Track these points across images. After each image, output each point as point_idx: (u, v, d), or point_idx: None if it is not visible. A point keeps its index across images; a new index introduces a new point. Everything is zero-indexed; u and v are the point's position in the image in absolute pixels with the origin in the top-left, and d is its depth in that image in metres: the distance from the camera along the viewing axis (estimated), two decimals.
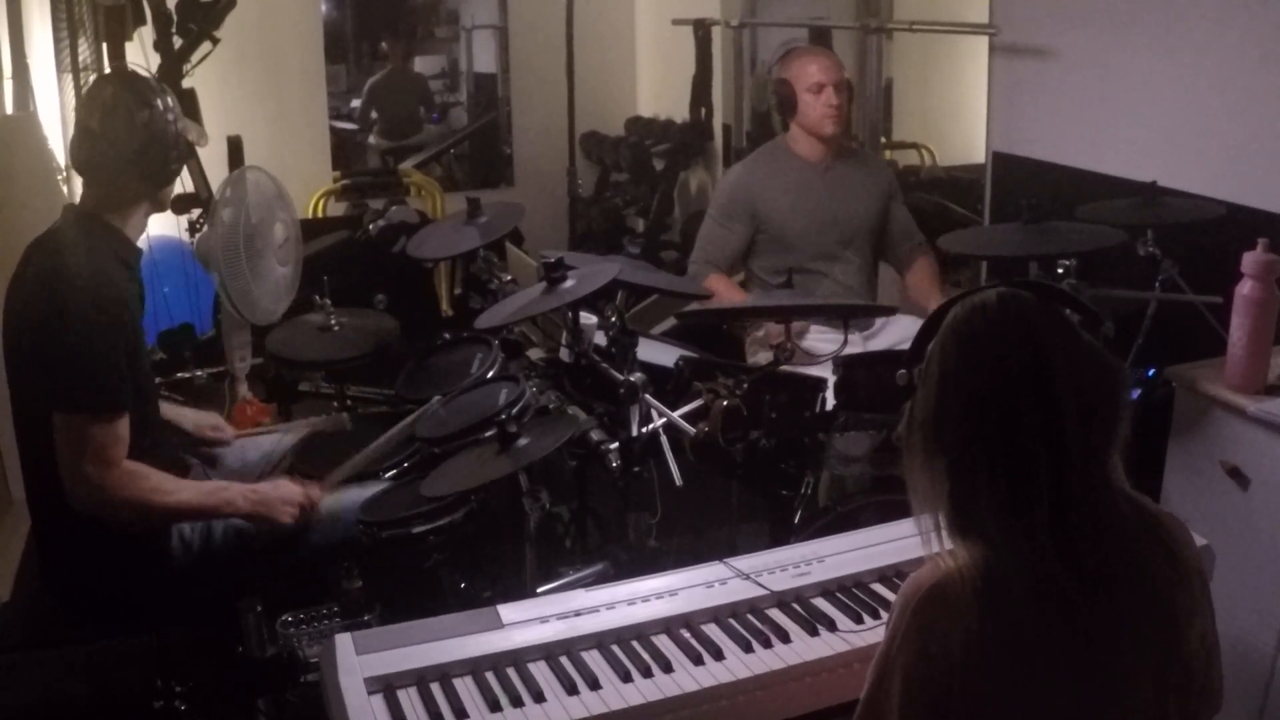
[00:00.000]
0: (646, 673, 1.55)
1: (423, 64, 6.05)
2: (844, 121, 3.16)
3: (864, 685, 1.28)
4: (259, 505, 2.13)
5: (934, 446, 1.24)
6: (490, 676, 1.54)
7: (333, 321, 2.87)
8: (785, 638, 1.63)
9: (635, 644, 1.61)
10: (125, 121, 2.06)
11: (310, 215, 5.28)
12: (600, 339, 2.27)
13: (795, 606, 1.71)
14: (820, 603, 1.72)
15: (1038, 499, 1.18)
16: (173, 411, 2.46)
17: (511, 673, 1.55)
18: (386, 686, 1.51)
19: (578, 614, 1.66)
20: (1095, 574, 1.19)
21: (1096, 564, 1.19)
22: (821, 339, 2.70)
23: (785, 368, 2.24)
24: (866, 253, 3.23)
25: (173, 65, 3.98)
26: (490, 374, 2.42)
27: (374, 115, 5.94)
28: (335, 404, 3.18)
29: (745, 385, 2.17)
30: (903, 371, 1.33)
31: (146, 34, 4.00)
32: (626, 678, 1.54)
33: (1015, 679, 1.18)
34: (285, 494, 2.16)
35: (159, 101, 2.10)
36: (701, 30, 5.11)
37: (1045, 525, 1.18)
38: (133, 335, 2.05)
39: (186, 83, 3.99)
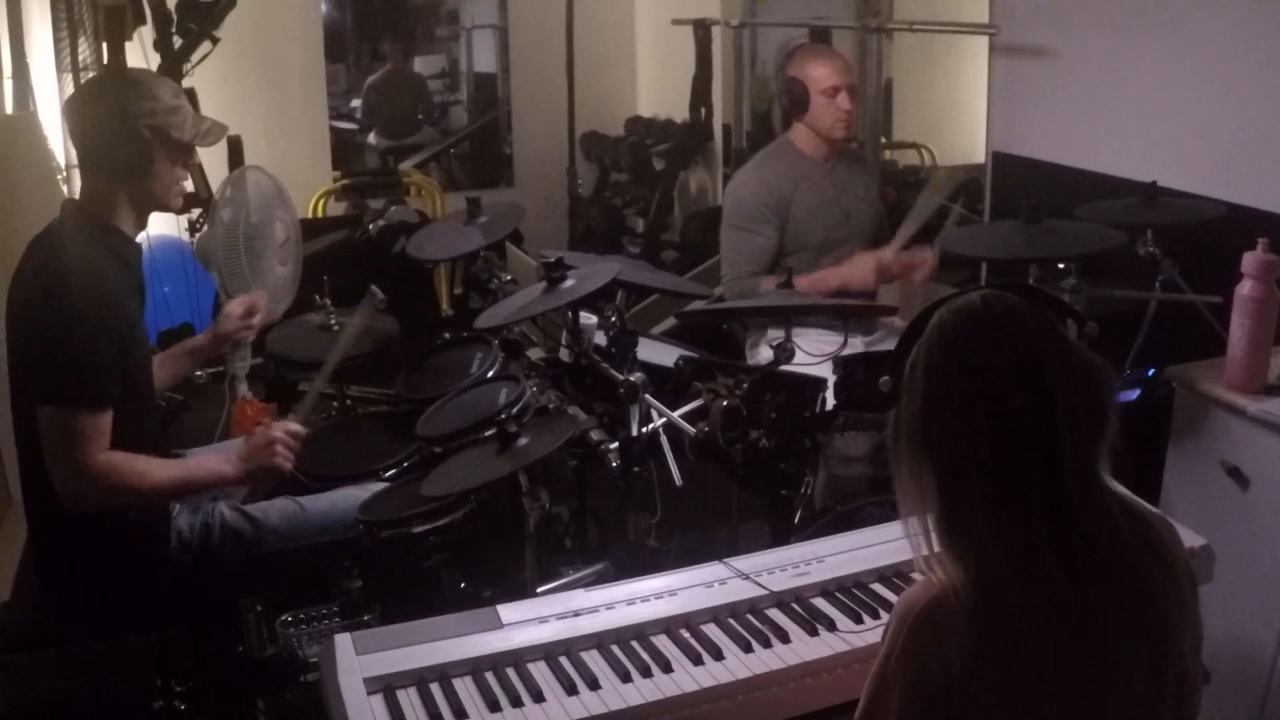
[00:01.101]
0: (646, 673, 1.55)
1: (423, 64, 6.05)
2: (853, 126, 3.16)
3: (860, 702, 1.27)
4: (246, 463, 2.12)
5: (922, 451, 1.23)
6: (490, 677, 1.54)
7: (333, 321, 2.87)
8: (785, 638, 1.63)
9: (635, 644, 1.61)
10: (88, 119, 2.08)
11: (310, 215, 5.28)
12: (600, 339, 2.27)
13: (795, 606, 1.71)
14: (820, 603, 1.72)
15: (1031, 499, 1.17)
16: (188, 343, 2.47)
17: (511, 673, 1.55)
18: (386, 686, 1.51)
19: (577, 614, 1.65)
20: (1088, 575, 1.19)
21: (1089, 564, 1.19)
22: (822, 340, 2.70)
23: (785, 368, 2.24)
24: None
25: (173, 65, 3.98)
26: (490, 374, 2.42)
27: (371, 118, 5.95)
28: (335, 404, 3.19)
29: (745, 385, 2.17)
30: (886, 378, 1.32)
31: (146, 34, 4.00)
32: (626, 678, 1.54)
33: (1013, 688, 1.18)
34: (263, 440, 2.14)
35: (130, 99, 2.07)
36: (701, 30, 5.11)
37: (1039, 526, 1.17)
38: (126, 331, 2.05)
39: (186, 83, 3.99)
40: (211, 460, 2.16)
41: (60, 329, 1.96)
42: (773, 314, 2.84)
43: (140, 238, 2.22)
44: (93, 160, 2.10)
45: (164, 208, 2.22)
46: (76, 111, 2.13)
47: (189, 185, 2.24)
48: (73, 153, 3.69)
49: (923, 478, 1.23)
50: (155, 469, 2.05)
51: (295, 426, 2.20)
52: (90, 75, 4.24)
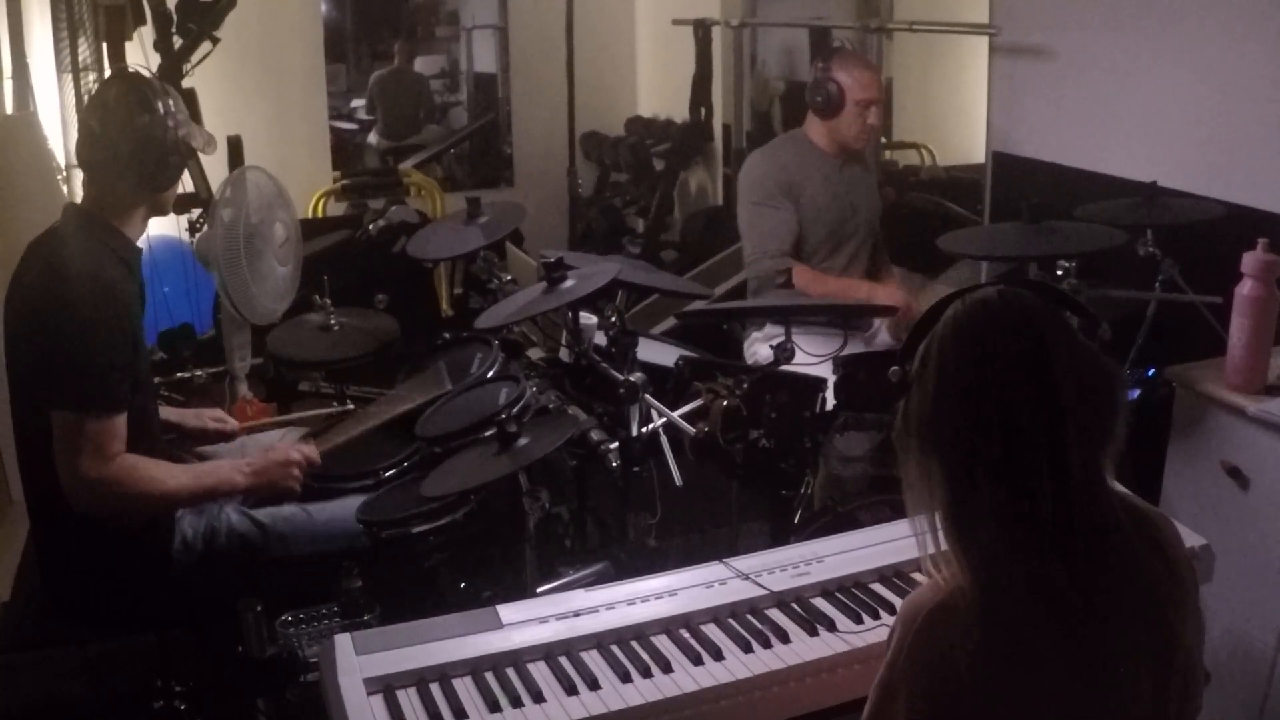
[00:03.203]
0: (646, 673, 1.55)
1: (423, 64, 6.05)
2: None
3: (866, 706, 1.27)
4: (258, 476, 2.12)
5: (930, 445, 1.22)
6: (490, 677, 1.54)
7: (333, 321, 2.87)
8: (785, 638, 1.62)
9: (635, 644, 1.61)
10: (125, 124, 2.06)
11: (310, 215, 5.28)
12: (600, 339, 2.27)
13: (795, 606, 1.71)
14: (820, 603, 1.72)
15: (1038, 496, 1.17)
16: (171, 413, 2.45)
17: (511, 673, 1.55)
18: (386, 687, 1.51)
19: (577, 614, 1.65)
20: (1093, 574, 1.19)
21: (1094, 564, 1.19)
22: (820, 339, 2.70)
23: (785, 368, 2.24)
24: (871, 252, 3.26)
25: (173, 65, 3.98)
26: (490, 374, 2.42)
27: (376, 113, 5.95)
28: (335, 404, 3.18)
29: (745, 385, 2.17)
30: (895, 369, 1.31)
31: (146, 34, 4.00)
32: (626, 678, 1.53)
33: (1020, 689, 1.18)
34: (281, 458, 2.15)
35: (161, 105, 2.09)
36: (701, 30, 5.11)
37: (1045, 522, 1.17)
38: (132, 334, 2.05)
39: (186, 83, 3.99)
40: (224, 468, 2.16)
41: (72, 332, 1.96)
42: (772, 314, 2.84)
43: (140, 241, 2.22)
44: (121, 166, 2.07)
45: (164, 213, 2.26)
46: (108, 115, 2.08)
47: (189, 185, 2.24)
48: (73, 153, 3.69)
49: (930, 472, 1.23)
50: (168, 475, 2.05)
51: (315, 456, 2.20)
52: (91, 76, 4.24)
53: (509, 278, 2.69)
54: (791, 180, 3.11)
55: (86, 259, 2.02)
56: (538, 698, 1.49)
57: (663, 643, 1.62)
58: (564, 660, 1.58)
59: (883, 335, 3.12)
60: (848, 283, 3.11)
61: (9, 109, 3.98)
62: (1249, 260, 2.22)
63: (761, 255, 3.09)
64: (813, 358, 2.30)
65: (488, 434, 2.07)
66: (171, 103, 2.13)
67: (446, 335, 2.72)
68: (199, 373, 4.19)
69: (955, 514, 1.22)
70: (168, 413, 2.41)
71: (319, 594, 1.94)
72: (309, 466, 2.19)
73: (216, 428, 2.45)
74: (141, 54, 3.96)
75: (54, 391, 1.96)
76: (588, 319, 2.29)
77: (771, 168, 3.15)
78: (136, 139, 2.06)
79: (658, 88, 6.09)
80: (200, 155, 2.27)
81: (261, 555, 2.16)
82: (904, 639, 1.21)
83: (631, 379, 2.06)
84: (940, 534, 1.23)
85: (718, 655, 1.58)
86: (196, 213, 3.69)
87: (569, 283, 2.16)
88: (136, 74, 2.21)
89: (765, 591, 1.71)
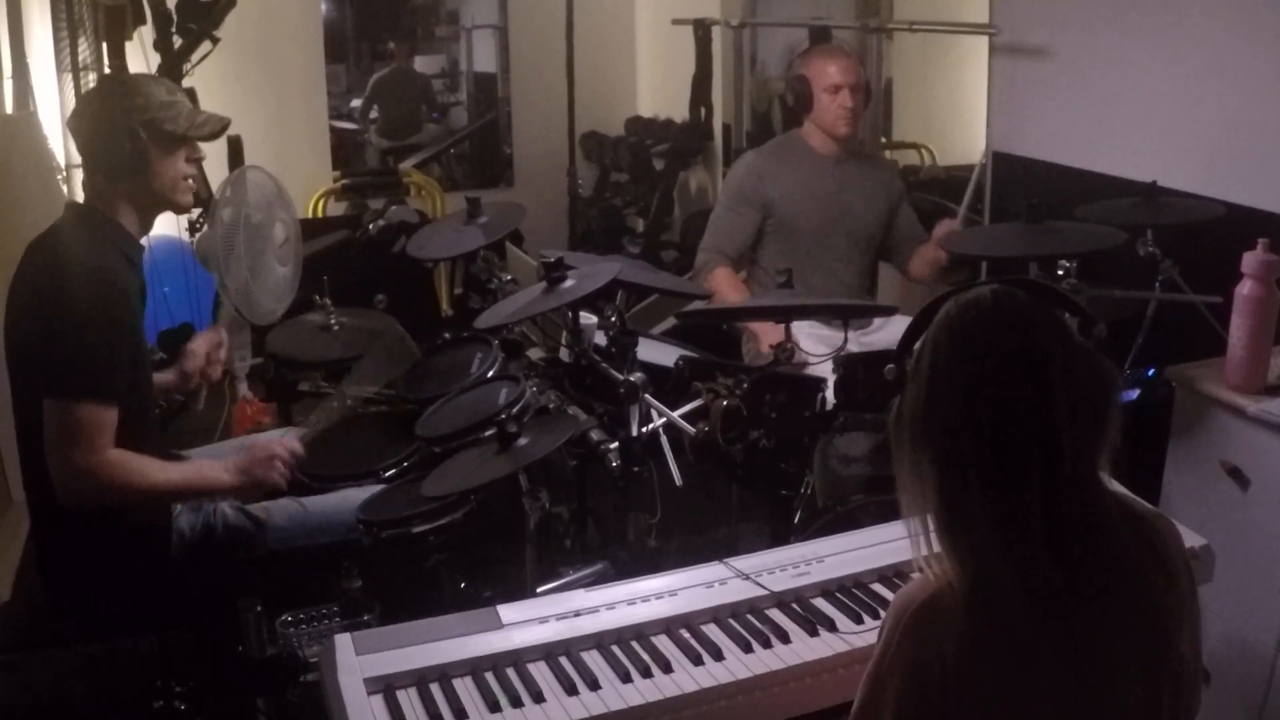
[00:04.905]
0: (646, 673, 1.55)
1: (423, 63, 6.05)
2: (858, 123, 3.19)
3: (855, 698, 1.27)
4: (243, 474, 2.12)
5: (923, 442, 1.22)
6: (490, 677, 1.54)
7: (333, 321, 2.87)
8: (785, 638, 1.63)
9: (635, 644, 1.61)
10: (88, 119, 2.10)
11: (310, 215, 5.28)
12: (600, 339, 2.27)
13: (795, 607, 1.71)
14: (820, 603, 1.72)
15: (1029, 495, 1.17)
16: (157, 379, 2.45)
17: (511, 673, 1.55)
18: (386, 687, 1.51)
19: (577, 614, 1.65)
20: (1085, 574, 1.19)
21: (1086, 564, 1.19)
22: (819, 338, 2.71)
23: (784, 368, 2.24)
24: (869, 252, 3.25)
25: (173, 65, 3.98)
26: (490, 374, 2.42)
27: (374, 114, 5.94)
28: (335, 404, 3.18)
29: (745, 385, 2.17)
30: (891, 366, 1.32)
31: (146, 34, 4.00)
32: (626, 678, 1.54)
33: (1008, 686, 1.18)
34: (263, 454, 2.14)
35: (116, 92, 2.11)
36: (701, 30, 5.11)
37: (1037, 522, 1.17)
38: (133, 329, 2.06)
39: (186, 83, 3.99)
40: (210, 467, 2.16)
41: (70, 322, 1.96)
42: (773, 314, 2.84)
43: (141, 239, 2.22)
44: (93, 163, 2.12)
45: (170, 205, 2.22)
46: (76, 117, 2.14)
47: (192, 183, 2.24)
48: (73, 153, 3.70)
49: (922, 470, 1.23)
50: (155, 470, 2.05)
51: (297, 446, 2.20)
52: (90, 75, 4.24)
53: (509, 278, 2.70)
54: (765, 187, 3.16)
55: (87, 251, 2.03)
56: (538, 698, 1.49)
57: (663, 643, 1.62)
58: (564, 660, 1.58)
59: (888, 331, 3.11)
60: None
61: (9, 109, 3.97)
62: (1249, 260, 2.22)
63: (704, 247, 3.24)
64: (813, 358, 2.30)
65: (488, 434, 2.07)
66: (147, 89, 2.12)
67: (446, 335, 2.72)
68: None
69: (947, 513, 1.22)
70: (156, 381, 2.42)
71: (317, 590, 1.94)
72: (292, 458, 2.18)
73: (196, 366, 2.45)
74: (141, 54, 3.96)
75: (48, 378, 1.96)
76: (588, 319, 2.29)
77: (749, 173, 3.23)
78: (93, 130, 2.09)
79: (658, 88, 6.08)
80: (200, 156, 2.25)
81: (258, 549, 2.17)
82: (893, 632, 1.22)
83: (631, 379, 2.06)
84: (933, 533, 1.23)
85: (718, 655, 1.58)
86: (196, 213, 3.70)
87: (569, 283, 2.16)
88: (114, 73, 2.24)
89: (765, 591, 1.71)
